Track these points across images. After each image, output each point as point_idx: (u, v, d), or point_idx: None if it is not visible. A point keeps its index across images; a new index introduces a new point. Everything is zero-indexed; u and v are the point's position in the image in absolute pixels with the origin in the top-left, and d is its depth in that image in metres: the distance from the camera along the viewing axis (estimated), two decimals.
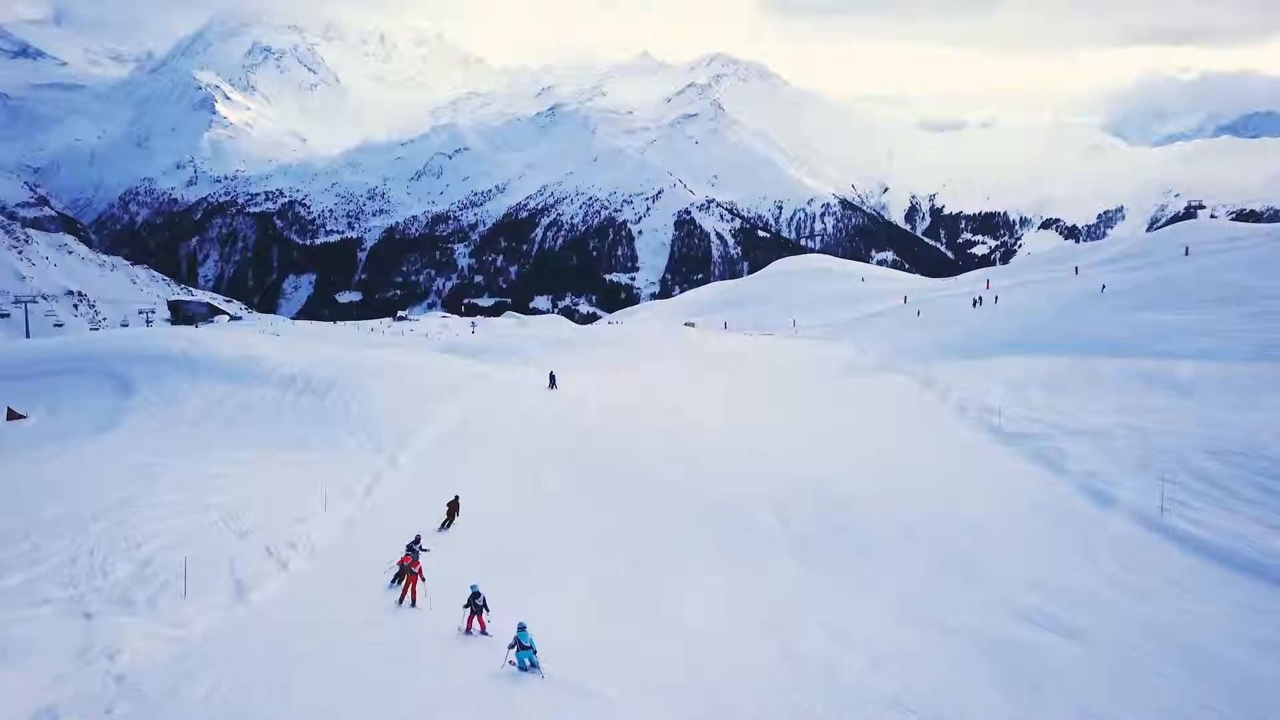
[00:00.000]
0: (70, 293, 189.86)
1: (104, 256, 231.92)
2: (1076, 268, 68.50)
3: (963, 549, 18.56)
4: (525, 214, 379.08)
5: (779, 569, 18.61)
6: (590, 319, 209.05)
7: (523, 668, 14.00)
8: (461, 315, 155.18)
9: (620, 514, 22.88)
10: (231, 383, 36.91)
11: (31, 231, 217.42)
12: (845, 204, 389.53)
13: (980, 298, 61.57)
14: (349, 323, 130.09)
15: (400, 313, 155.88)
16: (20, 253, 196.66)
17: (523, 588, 17.76)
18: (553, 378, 40.37)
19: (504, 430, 32.57)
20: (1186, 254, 58.55)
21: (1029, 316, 50.16)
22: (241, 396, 35.40)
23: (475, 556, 19.45)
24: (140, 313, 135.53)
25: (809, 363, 49.37)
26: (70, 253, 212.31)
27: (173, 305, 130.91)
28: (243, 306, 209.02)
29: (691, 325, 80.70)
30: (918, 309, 64.00)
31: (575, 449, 29.56)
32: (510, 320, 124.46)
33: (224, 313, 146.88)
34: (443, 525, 22.24)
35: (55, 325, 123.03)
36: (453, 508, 22.75)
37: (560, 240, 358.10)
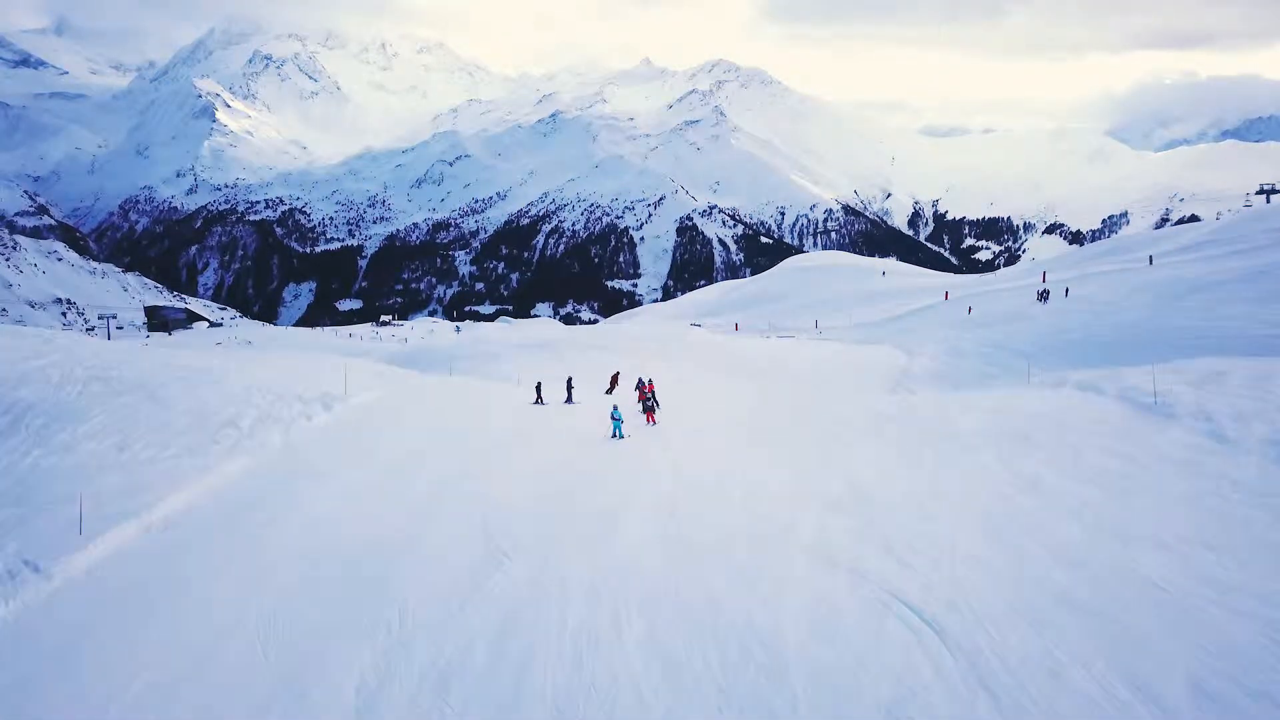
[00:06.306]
0: (59, 300, 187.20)
1: (94, 264, 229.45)
2: (1150, 257, 60.71)
3: None
4: (527, 221, 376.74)
5: None
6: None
7: (616, 436, 19.64)
8: (452, 321, 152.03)
9: None
10: None
11: (20, 238, 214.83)
12: (848, 209, 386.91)
13: (1046, 291, 53.62)
14: (331, 328, 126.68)
15: (384, 318, 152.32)
16: (8, 260, 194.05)
17: None
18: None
19: (332, 516, 13.66)
20: None
21: (1126, 310, 39.56)
22: None
23: None
24: (100, 317, 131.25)
25: (862, 371, 37.82)
26: (60, 260, 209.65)
27: (149, 311, 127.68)
28: (236, 314, 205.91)
29: (698, 326, 75.39)
30: (969, 306, 57.18)
31: (490, 555, 11.53)
32: (501, 324, 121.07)
33: (204, 319, 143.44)
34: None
35: None
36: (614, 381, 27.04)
37: (562, 247, 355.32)
